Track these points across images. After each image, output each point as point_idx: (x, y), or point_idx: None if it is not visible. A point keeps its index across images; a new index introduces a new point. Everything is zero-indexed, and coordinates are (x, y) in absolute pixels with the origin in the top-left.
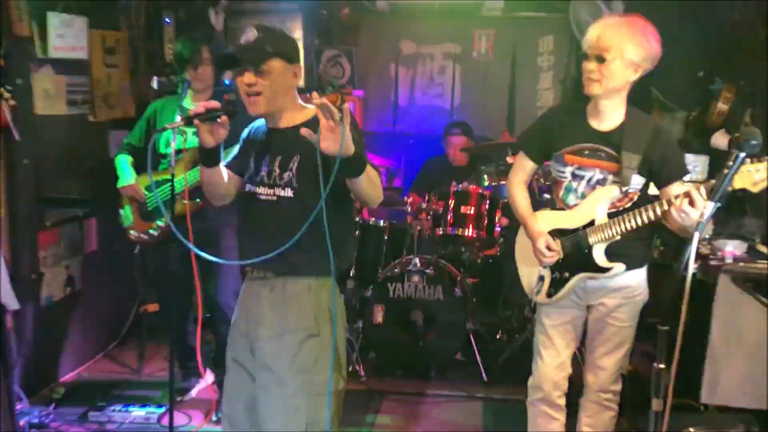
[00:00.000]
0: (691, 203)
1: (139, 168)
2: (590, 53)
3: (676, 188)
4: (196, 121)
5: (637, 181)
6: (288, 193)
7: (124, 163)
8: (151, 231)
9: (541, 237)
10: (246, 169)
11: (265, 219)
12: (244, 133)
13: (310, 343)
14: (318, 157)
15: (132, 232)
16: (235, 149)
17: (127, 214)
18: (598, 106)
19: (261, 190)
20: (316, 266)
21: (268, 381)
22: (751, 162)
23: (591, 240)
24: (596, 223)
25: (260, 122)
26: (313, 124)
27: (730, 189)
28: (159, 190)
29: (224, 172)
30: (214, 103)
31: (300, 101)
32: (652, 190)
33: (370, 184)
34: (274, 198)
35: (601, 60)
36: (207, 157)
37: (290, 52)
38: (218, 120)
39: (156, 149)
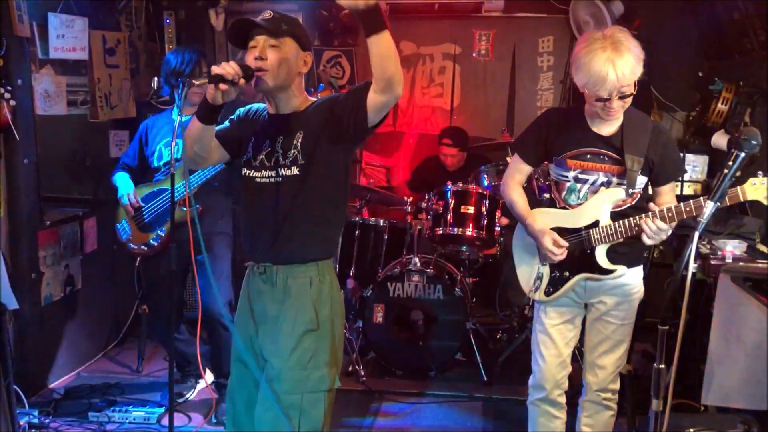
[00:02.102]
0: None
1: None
2: (612, 96)
3: (668, 192)
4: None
5: (641, 181)
6: (294, 171)
7: (123, 177)
8: (151, 241)
9: (546, 234)
10: (242, 152)
11: (266, 202)
12: (241, 111)
13: (308, 338)
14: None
15: (131, 245)
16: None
17: (124, 227)
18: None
19: (260, 173)
20: (314, 249)
21: (266, 374)
22: (764, 174)
23: (595, 242)
24: (601, 224)
25: (260, 106)
26: (311, 106)
27: (742, 200)
28: (157, 200)
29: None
30: (236, 67)
31: (305, 94)
32: None
33: (391, 50)
34: (279, 179)
35: (625, 96)
36: (207, 112)
37: (304, 38)
38: (236, 83)
39: (150, 163)
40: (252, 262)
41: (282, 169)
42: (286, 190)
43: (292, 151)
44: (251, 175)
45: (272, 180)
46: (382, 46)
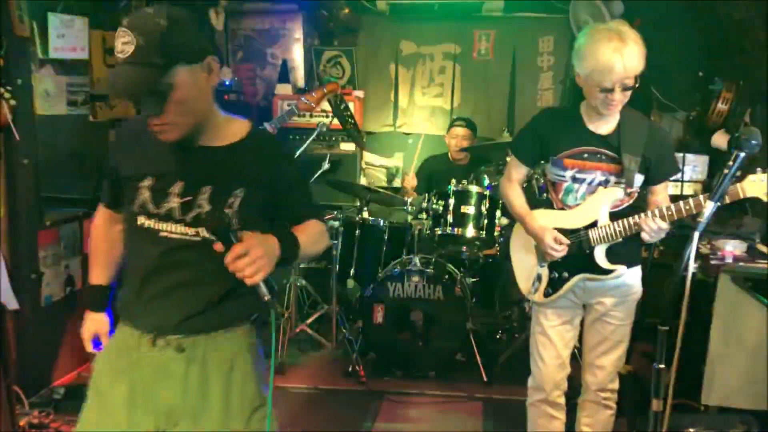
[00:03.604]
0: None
1: None
2: (616, 86)
3: (662, 191)
4: None
5: (638, 180)
6: None
7: None
8: None
9: (546, 232)
10: (130, 192)
11: (176, 261)
12: (116, 144)
13: (257, 418)
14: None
15: None
16: None
17: None
18: (597, 111)
19: (167, 226)
20: (244, 309)
21: None
22: (763, 171)
23: (594, 241)
24: (599, 224)
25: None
26: (250, 144)
27: (741, 197)
28: None
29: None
30: None
31: (221, 111)
32: None
33: (313, 248)
34: (198, 239)
35: (628, 88)
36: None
37: (192, 46)
38: None
39: None
40: (133, 329)
41: (204, 230)
42: (207, 253)
43: (228, 210)
44: (151, 226)
45: (186, 239)
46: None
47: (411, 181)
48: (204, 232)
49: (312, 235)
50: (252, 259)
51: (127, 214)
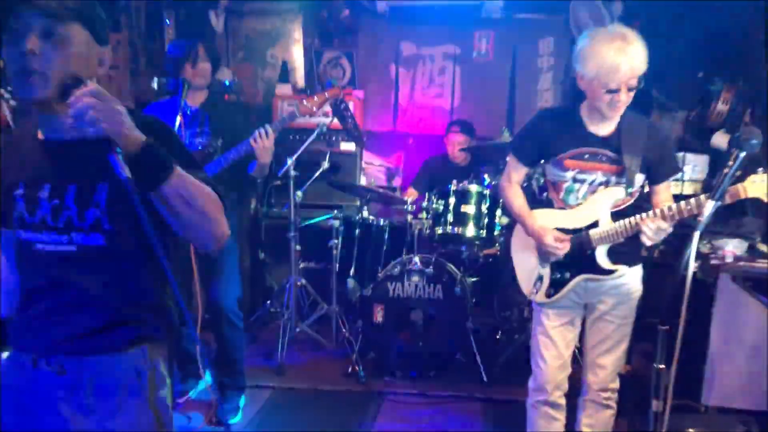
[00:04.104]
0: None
1: None
2: (621, 87)
3: (664, 190)
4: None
5: (639, 179)
6: (96, 240)
7: None
8: None
9: (547, 233)
10: (9, 205)
11: (54, 278)
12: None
13: None
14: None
15: None
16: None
17: None
18: (599, 113)
19: (41, 237)
20: (136, 327)
21: None
22: (764, 171)
23: (595, 242)
24: (601, 224)
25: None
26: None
27: (742, 197)
28: None
29: None
30: None
31: None
32: None
33: (191, 206)
34: (72, 248)
35: (632, 88)
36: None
37: (99, 25)
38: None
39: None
40: (17, 352)
41: (77, 234)
42: (84, 264)
43: (93, 210)
44: (27, 238)
45: (61, 249)
46: (175, 210)
47: (411, 194)
48: (80, 239)
49: (196, 182)
50: (97, 98)
51: (12, 230)
